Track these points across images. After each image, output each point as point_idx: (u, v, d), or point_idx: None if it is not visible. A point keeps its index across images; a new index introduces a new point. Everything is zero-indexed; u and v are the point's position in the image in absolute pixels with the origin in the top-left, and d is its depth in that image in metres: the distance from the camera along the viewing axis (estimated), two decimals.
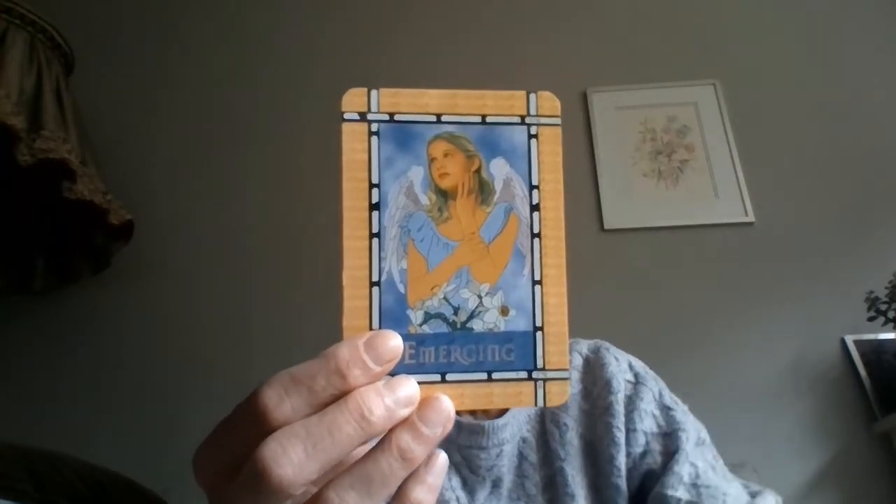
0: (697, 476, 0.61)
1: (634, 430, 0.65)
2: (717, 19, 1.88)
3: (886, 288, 1.33)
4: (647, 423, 0.65)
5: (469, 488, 0.65)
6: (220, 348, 1.53)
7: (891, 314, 1.32)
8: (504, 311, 0.30)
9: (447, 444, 0.67)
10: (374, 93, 0.30)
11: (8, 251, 1.52)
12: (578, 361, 0.72)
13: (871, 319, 1.34)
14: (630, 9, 1.91)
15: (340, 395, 0.26)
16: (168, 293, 1.63)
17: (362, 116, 0.30)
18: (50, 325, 1.58)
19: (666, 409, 0.66)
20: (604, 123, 1.75)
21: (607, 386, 0.67)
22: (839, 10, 1.86)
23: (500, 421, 0.66)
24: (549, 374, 0.30)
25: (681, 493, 0.60)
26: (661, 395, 0.68)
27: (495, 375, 0.29)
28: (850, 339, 1.45)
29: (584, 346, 0.74)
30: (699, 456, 0.63)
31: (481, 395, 0.29)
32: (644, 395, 0.67)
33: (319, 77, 1.82)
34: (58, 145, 1.33)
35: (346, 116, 0.30)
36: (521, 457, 0.67)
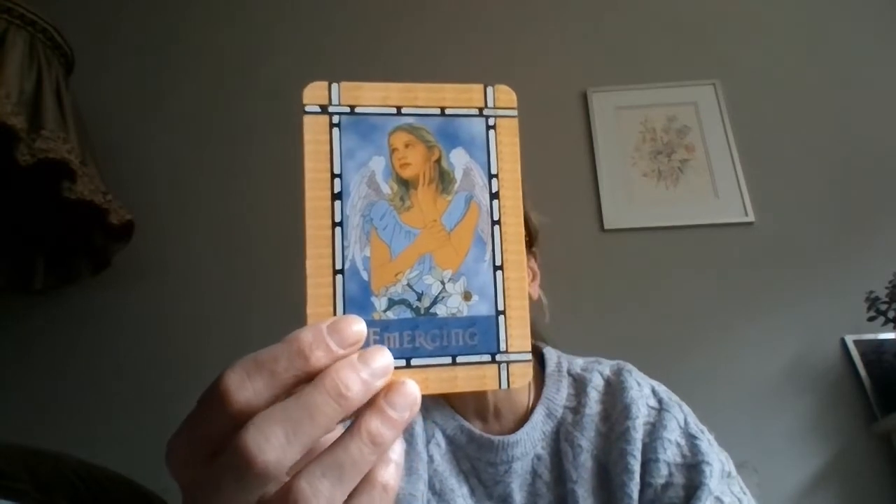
0: None
1: (657, 460, 0.62)
2: (717, 19, 1.88)
3: (886, 288, 1.33)
4: (671, 452, 0.62)
5: (477, 498, 0.65)
6: (220, 348, 1.52)
7: (891, 314, 1.32)
8: (467, 296, 0.30)
9: (457, 449, 0.67)
10: (335, 86, 0.31)
11: (8, 251, 1.52)
12: (599, 382, 0.70)
13: (871, 319, 1.34)
14: (630, 9, 1.91)
15: (304, 379, 0.26)
16: (168, 293, 1.63)
17: (323, 109, 0.31)
18: (50, 325, 1.59)
19: (691, 438, 0.63)
20: (604, 123, 1.75)
21: (626, 411, 0.65)
22: (839, 9, 1.86)
23: (512, 438, 0.65)
24: (512, 357, 0.30)
25: None
26: (686, 422, 0.65)
27: (459, 359, 0.30)
28: (850, 339, 1.45)
29: (607, 366, 0.72)
30: (725, 490, 0.60)
31: (446, 378, 0.30)
32: (668, 422, 0.64)
33: (320, 77, 1.81)
34: (58, 145, 1.33)
35: (307, 109, 0.31)
36: (535, 474, 0.65)
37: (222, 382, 0.25)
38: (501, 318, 0.31)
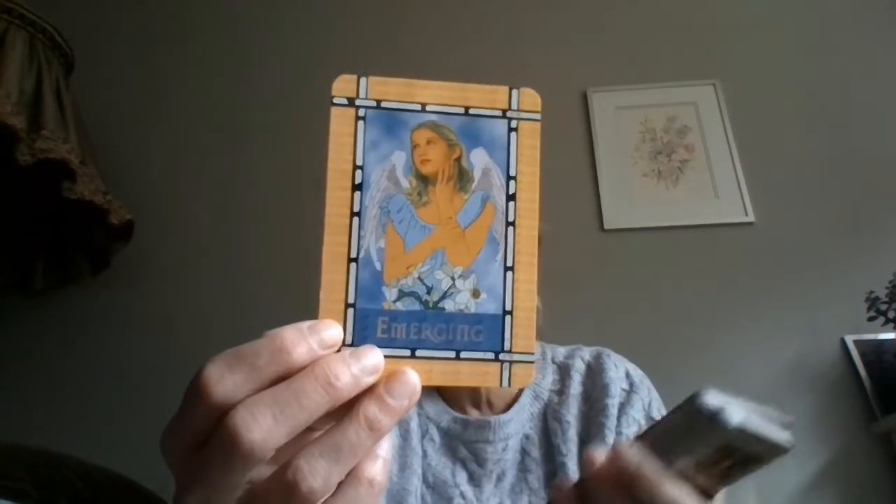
0: None
1: (620, 433, 0.68)
2: (717, 19, 1.88)
3: (886, 288, 1.33)
4: (632, 430, 0.68)
5: (476, 482, 0.69)
6: (221, 348, 1.52)
7: (891, 314, 1.32)
8: (476, 293, 0.31)
9: (452, 440, 0.70)
10: (363, 80, 0.32)
11: (8, 251, 1.52)
12: (581, 366, 0.75)
13: (871, 319, 1.34)
14: (630, 9, 1.91)
15: (284, 375, 0.26)
16: (168, 293, 1.63)
17: (350, 102, 0.32)
18: (50, 325, 1.59)
19: (650, 420, 0.68)
20: (604, 123, 1.75)
21: (604, 390, 0.71)
22: (839, 10, 1.86)
23: (505, 416, 0.70)
24: (516, 357, 0.31)
25: None
26: (650, 405, 0.71)
27: (463, 354, 0.30)
28: (850, 339, 1.45)
29: (587, 352, 0.78)
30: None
31: (449, 372, 0.30)
32: (635, 403, 0.70)
33: (320, 76, 1.82)
34: (58, 145, 1.33)
35: (335, 101, 0.32)
36: (524, 452, 0.70)
37: (202, 376, 0.26)
38: (508, 318, 0.31)
